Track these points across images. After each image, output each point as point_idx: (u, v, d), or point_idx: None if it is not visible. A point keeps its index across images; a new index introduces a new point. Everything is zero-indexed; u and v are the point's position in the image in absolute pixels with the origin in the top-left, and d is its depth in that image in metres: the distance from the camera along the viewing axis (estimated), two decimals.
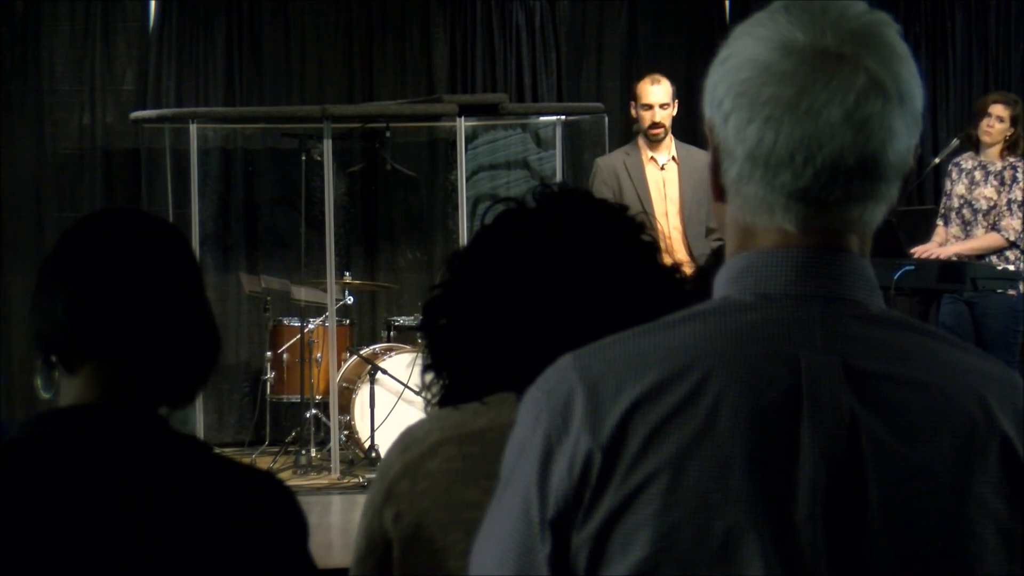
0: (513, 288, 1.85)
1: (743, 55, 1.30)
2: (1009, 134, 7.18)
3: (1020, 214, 7.09)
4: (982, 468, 1.25)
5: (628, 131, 8.00)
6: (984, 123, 7.20)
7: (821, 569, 1.22)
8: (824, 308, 1.29)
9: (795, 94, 1.26)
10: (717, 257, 3.41)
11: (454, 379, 1.90)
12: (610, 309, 1.82)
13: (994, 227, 7.17)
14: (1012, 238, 7.10)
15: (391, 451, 1.92)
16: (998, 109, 7.20)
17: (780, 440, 1.23)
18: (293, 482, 7.28)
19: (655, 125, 6.81)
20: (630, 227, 1.91)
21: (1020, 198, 7.10)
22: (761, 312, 1.29)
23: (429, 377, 1.91)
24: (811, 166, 1.27)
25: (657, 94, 6.82)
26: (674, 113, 6.91)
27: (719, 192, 1.35)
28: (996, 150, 7.22)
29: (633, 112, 6.94)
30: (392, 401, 7.68)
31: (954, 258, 7.04)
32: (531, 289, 1.84)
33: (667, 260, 1.92)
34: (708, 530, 1.22)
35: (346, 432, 7.83)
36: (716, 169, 1.35)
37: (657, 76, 6.91)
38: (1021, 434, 1.27)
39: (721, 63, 1.33)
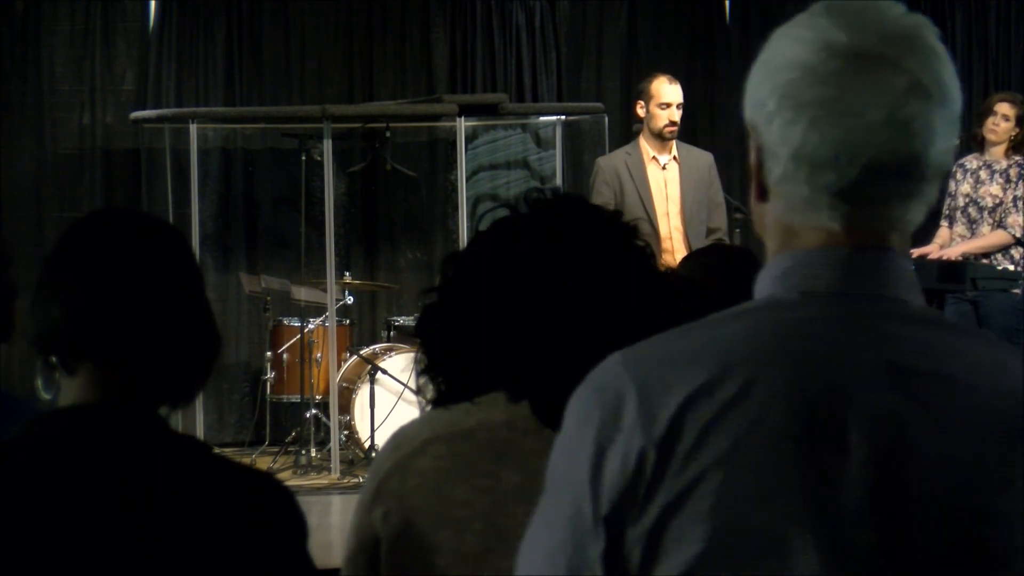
0: (513, 289, 1.85)
1: (785, 56, 1.32)
2: (1015, 133, 7.19)
3: None
4: (1020, 465, 1.27)
5: (628, 131, 8.00)
6: (990, 121, 7.22)
7: (870, 563, 1.24)
8: (868, 307, 1.31)
9: (839, 95, 1.29)
10: (693, 260, 3.41)
11: (452, 381, 1.91)
12: (609, 309, 1.83)
13: (1000, 224, 7.17)
14: (1018, 235, 7.11)
15: (383, 450, 1.93)
16: (1004, 108, 7.22)
17: (828, 436, 1.25)
18: (293, 482, 7.28)
19: (672, 124, 6.79)
20: (625, 232, 1.92)
21: None
22: (807, 310, 1.31)
23: (424, 380, 1.92)
24: (855, 166, 1.29)
25: (675, 93, 6.81)
26: None
27: (761, 192, 1.37)
28: (1001, 149, 7.23)
29: (640, 111, 6.88)
30: (392, 401, 7.68)
31: (961, 257, 7.04)
32: (531, 290, 1.84)
33: (660, 266, 1.94)
34: (760, 525, 1.24)
35: (346, 432, 7.83)
36: (759, 169, 1.36)
37: (671, 76, 6.91)
38: None
39: (763, 65, 1.35)
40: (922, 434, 1.25)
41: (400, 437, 1.91)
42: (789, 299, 1.32)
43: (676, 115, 6.81)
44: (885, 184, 1.30)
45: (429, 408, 1.93)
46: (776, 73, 1.32)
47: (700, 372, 1.27)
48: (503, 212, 1.94)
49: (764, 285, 1.36)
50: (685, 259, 3.39)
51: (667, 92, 6.81)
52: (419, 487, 1.84)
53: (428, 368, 1.93)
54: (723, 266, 3.28)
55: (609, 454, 1.28)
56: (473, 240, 1.95)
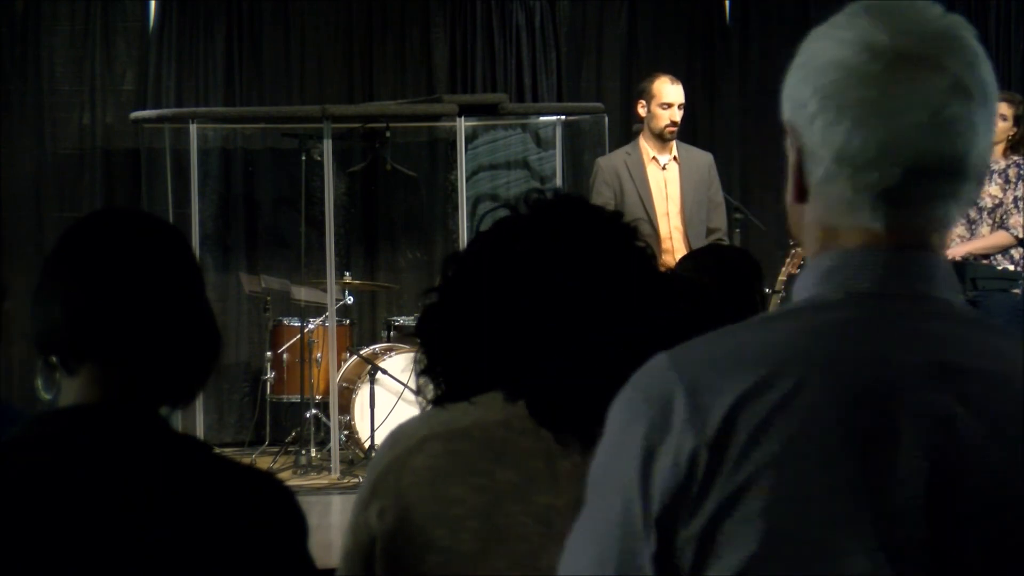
0: (513, 289, 1.85)
1: (826, 57, 1.33)
2: (1012, 133, 7.18)
3: None
4: None
5: (628, 131, 8.00)
6: None
7: (924, 563, 1.24)
8: (913, 306, 1.32)
9: (881, 95, 1.30)
10: (691, 260, 3.42)
11: (451, 381, 1.91)
12: (609, 309, 1.83)
13: (1001, 225, 7.17)
14: (1021, 235, 7.11)
15: (380, 448, 1.93)
16: (1002, 108, 7.21)
17: (880, 436, 1.25)
18: (293, 482, 7.28)
19: (673, 124, 6.80)
20: (625, 232, 1.92)
21: None
22: (853, 310, 1.31)
23: (424, 380, 1.93)
24: (898, 167, 1.30)
25: (677, 93, 6.81)
26: None
27: (800, 193, 1.37)
28: (1000, 149, 7.23)
29: (641, 110, 6.88)
30: (392, 401, 7.68)
31: (963, 257, 7.04)
32: (531, 290, 1.84)
33: (660, 267, 1.94)
34: (813, 526, 1.24)
35: (346, 432, 7.83)
36: (799, 170, 1.36)
37: (673, 76, 6.91)
38: None
39: (802, 66, 1.35)
40: (972, 433, 1.26)
41: (397, 435, 1.92)
42: (834, 299, 1.33)
43: (677, 115, 6.81)
44: (928, 184, 1.31)
45: (429, 407, 1.93)
46: (817, 74, 1.33)
47: (750, 373, 1.27)
48: (503, 212, 1.94)
49: (806, 286, 1.36)
50: (683, 259, 3.40)
51: (669, 92, 6.81)
52: (415, 485, 1.84)
53: (428, 368, 1.93)
54: (719, 266, 3.29)
55: (659, 455, 1.27)
56: (473, 240, 1.95)
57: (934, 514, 1.24)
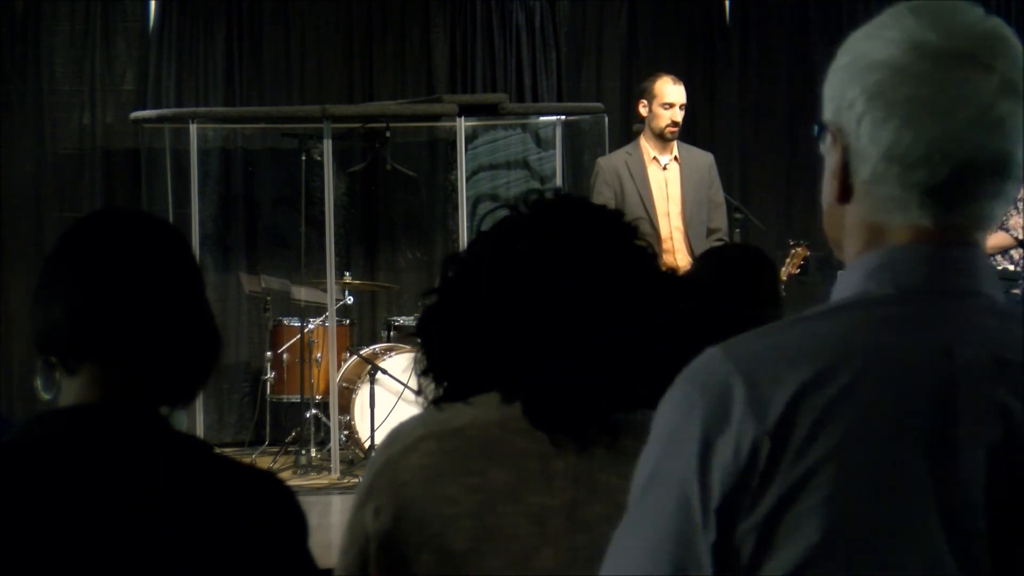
0: (513, 289, 1.85)
1: (873, 57, 1.34)
2: None
3: None
4: None
5: (628, 131, 8.00)
6: None
7: (985, 554, 1.25)
8: (962, 302, 1.33)
9: (931, 94, 1.31)
10: (703, 262, 3.42)
11: (451, 381, 1.91)
12: (610, 309, 1.83)
13: (1002, 226, 7.17)
14: (1020, 236, 7.11)
15: (378, 448, 1.94)
16: None
17: (941, 430, 1.26)
18: (293, 482, 7.28)
19: (673, 124, 6.80)
20: (626, 231, 1.92)
21: None
22: (905, 306, 1.32)
23: (425, 381, 1.93)
24: (947, 164, 1.31)
25: (679, 94, 6.82)
26: None
27: (844, 194, 1.38)
28: None
29: (643, 110, 6.89)
30: (392, 401, 7.68)
31: None
32: (531, 290, 1.84)
33: (662, 265, 1.94)
34: (875, 517, 1.24)
35: (346, 432, 7.83)
36: (844, 170, 1.37)
37: (675, 77, 6.91)
38: None
39: (846, 67, 1.36)
40: None
41: (394, 435, 1.92)
42: (884, 295, 1.34)
43: (678, 115, 6.81)
44: (975, 182, 1.32)
45: (427, 407, 1.93)
46: (864, 74, 1.34)
47: (808, 365, 1.28)
48: (504, 212, 1.94)
49: (853, 282, 1.37)
50: (693, 262, 3.41)
51: (671, 92, 6.81)
52: (409, 484, 1.84)
53: (428, 368, 1.93)
54: (720, 266, 3.29)
55: (718, 445, 1.27)
56: (474, 240, 1.95)
57: (994, 507, 1.25)
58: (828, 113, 1.38)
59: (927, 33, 1.32)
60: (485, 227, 1.94)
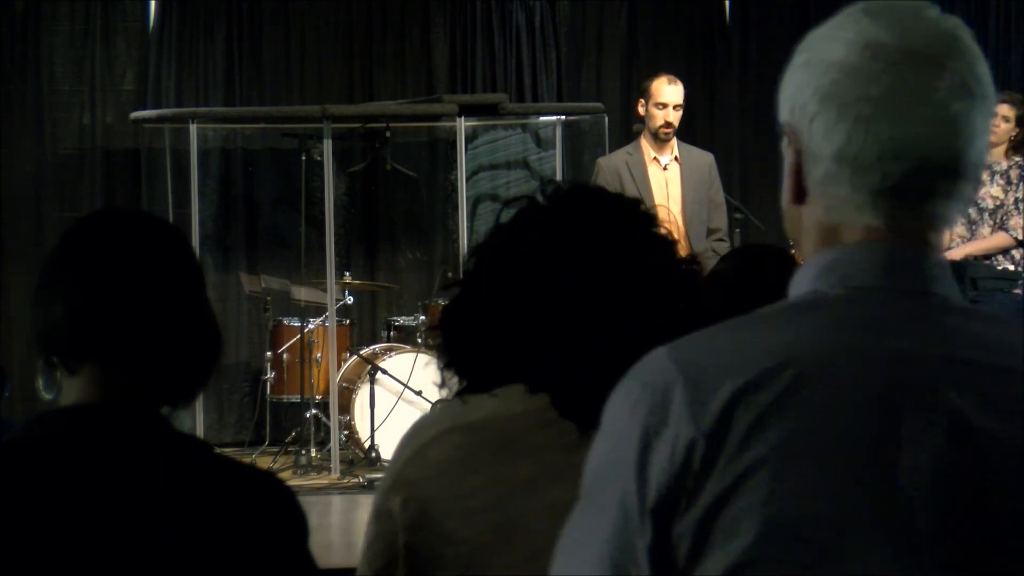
0: (514, 288, 1.85)
1: (826, 58, 1.33)
2: (1014, 134, 7.18)
3: None
4: None
5: (628, 131, 8.00)
6: (990, 122, 7.19)
7: (927, 552, 1.24)
8: (914, 301, 1.32)
9: (884, 95, 1.30)
10: (728, 261, 3.42)
11: (472, 374, 1.91)
12: (610, 308, 1.83)
13: (1002, 226, 7.17)
14: (1020, 236, 7.11)
15: (402, 440, 1.93)
16: (1003, 109, 7.20)
17: (884, 430, 1.26)
18: (293, 482, 7.28)
19: (667, 125, 6.82)
20: (643, 221, 1.91)
21: None
22: (855, 305, 1.32)
23: (448, 374, 1.93)
24: (899, 165, 1.30)
25: (673, 94, 6.83)
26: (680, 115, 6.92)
27: (799, 195, 1.37)
28: (1001, 150, 7.22)
29: (641, 110, 6.92)
30: (392, 401, 7.68)
31: (963, 258, 7.04)
32: (531, 289, 1.84)
33: (683, 252, 1.93)
34: (813, 517, 1.24)
35: (346, 432, 7.83)
36: (798, 171, 1.37)
37: (673, 77, 6.91)
38: None
39: (801, 67, 1.36)
40: (982, 424, 1.26)
41: (419, 427, 1.92)
42: (835, 294, 1.33)
43: (672, 116, 6.82)
44: (929, 182, 1.32)
45: (450, 400, 1.93)
46: (818, 75, 1.33)
47: (751, 365, 1.27)
48: (503, 211, 1.94)
49: (805, 281, 1.36)
50: (723, 257, 3.40)
51: (665, 92, 6.82)
52: (434, 476, 1.84)
53: (450, 361, 1.93)
54: (745, 264, 3.29)
55: (656, 445, 1.28)
56: (493, 233, 1.95)
57: (943, 508, 1.24)
58: (784, 113, 1.37)
59: (881, 34, 1.31)
60: (504, 218, 1.94)
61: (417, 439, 1.88)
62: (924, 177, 1.31)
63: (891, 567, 1.23)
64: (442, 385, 1.96)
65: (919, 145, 1.30)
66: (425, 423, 1.91)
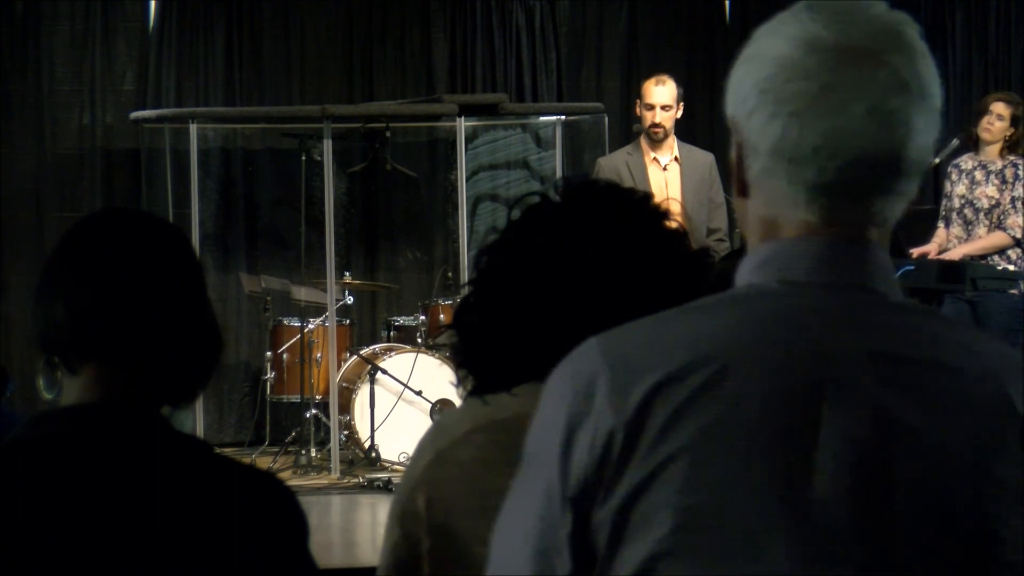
0: (527, 284, 1.85)
1: (767, 53, 1.33)
2: (1009, 134, 7.18)
3: None
4: (1003, 449, 1.28)
5: (628, 131, 8.00)
6: (984, 120, 7.21)
7: (843, 549, 1.24)
8: (846, 296, 1.32)
9: (819, 90, 1.30)
10: (729, 261, 3.42)
11: (488, 372, 1.91)
12: (625, 302, 1.83)
13: (999, 225, 7.16)
14: (1018, 235, 7.11)
15: (423, 440, 1.93)
16: (999, 107, 7.21)
17: (803, 425, 1.25)
18: (293, 482, 7.28)
19: (655, 126, 6.84)
20: (656, 216, 1.91)
21: (1023, 195, 7.11)
22: (785, 299, 1.32)
23: (463, 372, 1.92)
24: (834, 161, 1.30)
25: (659, 95, 6.84)
26: (678, 115, 6.92)
27: (742, 188, 1.38)
28: (996, 149, 7.22)
29: (637, 110, 6.98)
30: (392, 401, 7.68)
31: (961, 259, 7.04)
32: (545, 285, 1.84)
33: (694, 246, 1.93)
34: (728, 511, 1.24)
35: (346, 432, 7.83)
36: (740, 165, 1.37)
37: (663, 77, 6.91)
38: None
39: (744, 62, 1.36)
40: (903, 420, 1.26)
41: (441, 427, 1.92)
42: (768, 288, 1.33)
43: (660, 116, 6.84)
44: (864, 178, 1.31)
45: (467, 398, 1.93)
46: (756, 69, 1.33)
47: (674, 358, 1.28)
48: (514, 208, 1.93)
49: (744, 274, 1.36)
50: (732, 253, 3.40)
51: (650, 93, 6.87)
52: (459, 477, 1.84)
53: (465, 360, 1.93)
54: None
55: (578, 435, 1.29)
56: (506, 229, 1.94)
57: (860, 502, 1.24)
58: (728, 107, 1.37)
59: (820, 29, 1.31)
60: (515, 215, 1.94)
61: (441, 440, 1.88)
62: (861, 174, 1.30)
63: (801, 563, 1.23)
64: (458, 384, 1.95)
65: (854, 141, 1.29)
66: (447, 423, 1.91)
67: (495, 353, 1.90)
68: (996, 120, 7.18)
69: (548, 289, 1.84)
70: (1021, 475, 1.27)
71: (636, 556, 1.25)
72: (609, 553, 1.27)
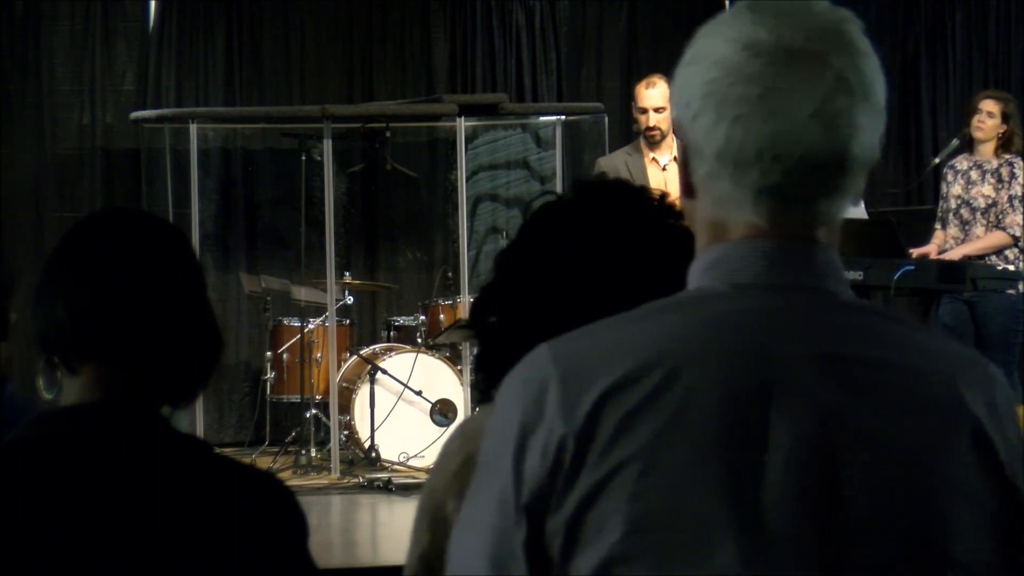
0: (552, 284, 1.85)
1: (709, 56, 1.32)
2: (1002, 131, 7.18)
3: (1023, 209, 7.10)
4: (955, 449, 1.28)
5: (628, 131, 8.01)
6: (975, 119, 7.22)
7: (792, 553, 1.24)
8: (796, 297, 1.31)
9: (763, 93, 1.29)
10: None
11: (498, 378, 1.90)
12: (658, 296, 1.82)
13: (997, 225, 7.16)
14: (1017, 233, 7.11)
15: (450, 444, 1.93)
16: (988, 104, 7.22)
17: (753, 427, 1.25)
18: (293, 482, 7.28)
19: (650, 129, 6.86)
20: (667, 214, 1.91)
21: (1021, 193, 7.10)
22: (734, 302, 1.31)
23: (481, 374, 1.92)
24: (780, 163, 1.29)
25: (651, 98, 6.85)
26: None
27: (688, 190, 1.37)
28: (990, 148, 7.22)
29: (634, 113, 7.00)
30: (392, 401, 7.68)
31: (961, 259, 7.04)
32: (561, 286, 1.84)
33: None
34: (680, 516, 1.24)
35: (346, 432, 7.83)
36: (686, 167, 1.36)
37: (654, 79, 6.92)
38: (992, 415, 1.31)
39: (687, 65, 1.35)
40: (851, 421, 1.26)
41: (467, 432, 1.91)
42: (717, 290, 1.33)
43: (653, 119, 6.85)
44: (810, 180, 1.30)
45: (489, 402, 1.92)
46: (700, 73, 1.32)
47: (623, 363, 1.28)
48: (550, 198, 1.93)
49: (694, 277, 1.36)
50: None
51: (642, 97, 6.91)
52: None
53: (484, 364, 1.92)
54: None
55: (531, 443, 1.28)
56: (519, 232, 1.94)
57: (809, 504, 1.24)
58: (673, 109, 1.37)
59: (761, 32, 1.30)
60: (528, 216, 1.94)
61: (469, 445, 1.87)
62: (806, 175, 1.30)
63: (753, 565, 1.23)
64: (475, 386, 1.95)
65: (799, 144, 1.29)
66: (473, 428, 1.91)
67: (515, 355, 1.90)
68: (987, 118, 7.20)
69: (566, 289, 1.84)
70: (973, 474, 1.28)
71: (590, 563, 1.25)
72: (563, 560, 1.27)
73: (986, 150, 7.22)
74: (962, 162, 7.30)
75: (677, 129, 1.36)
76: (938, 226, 7.40)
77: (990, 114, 7.18)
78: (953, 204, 7.29)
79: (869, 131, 1.31)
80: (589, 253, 1.84)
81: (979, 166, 7.23)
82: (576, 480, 1.26)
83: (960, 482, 1.27)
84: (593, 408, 1.26)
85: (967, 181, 7.24)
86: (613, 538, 1.24)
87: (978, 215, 7.20)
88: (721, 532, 1.23)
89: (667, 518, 1.24)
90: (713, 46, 1.33)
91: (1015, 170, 7.14)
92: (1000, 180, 7.17)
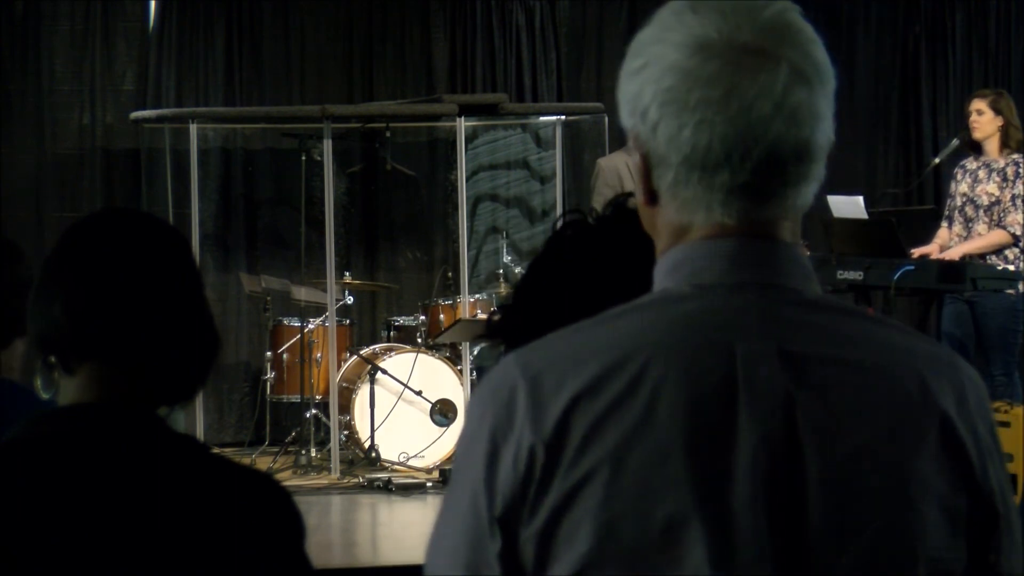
0: (568, 310, 1.85)
1: (660, 63, 1.31)
2: (1000, 123, 7.21)
3: None
4: (922, 446, 1.28)
5: None
6: (970, 121, 7.28)
7: (763, 553, 1.24)
8: (759, 295, 1.31)
9: (723, 94, 1.28)
10: None
11: None
12: None
13: (999, 223, 7.17)
14: (1018, 232, 7.11)
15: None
16: (976, 104, 7.29)
17: (718, 428, 1.25)
18: (293, 482, 7.29)
19: None
20: None
21: (1023, 193, 7.12)
22: (698, 302, 1.31)
23: None
24: (748, 162, 1.29)
25: None
26: None
27: (651, 197, 1.36)
28: (995, 146, 7.24)
29: None
30: (392, 401, 7.68)
31: (961, 258, 7.05)
32: (603, 296, 1.84)
33: None
34: (650, 519, 1.24)
35: (346, 432, 7.83)
36: (647, 176, 1.35)
37: None
38: (961, 412, 1.30)
39: (636, 72, 1.33)
40: (816, 420, 1.26)
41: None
42: (681, 292, 1.32)
43: None
44: (779, 175, 1.30)
45: None
46: (655, 80, 1.31)
47: (590, 368, 1.27)
48: (576, 216, 1.94)
49: (659, 280, 1.36)
50: None
51: None
52: None
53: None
54: None
55: (502, 453, 1.28)
56: (548, 240, 1.95)
57: (775, 504, 1.24)
58: (625, 118, 1.35)
59: (709, 32, 1.30)
60: (559, 227, 1.94)
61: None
62: (774, 170, 1.30)
63: (722, 567, 1.23)
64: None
65: (764, 140, 1.28)
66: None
67: None
68: (977, 116, 7.24)
69: (586, 302, 1.84)
70: (941, 472, 1.28)
71: (564, 571, 1.25)
72: (537, 569, 1.26)
73: (992, 149, 7.25)
74: (972, 162, 7.34)
75: (633, 139, 1.35)
76: (944, 224, 7.42)
77: (979, 111, 7.22)
78: (959, 201, 7.31)
79: (828, 116, 1.32)
80: (595, 279, 1.85)
81: (987, 165, 7.26)
82: (548, 490, 1.25)
83: (928, 480, 1.27)
84: (562, 416, 1.26)
85: (974, 179, 7.27)
86: (585, 547, 1.24)
87: (981, 212, 7.21)
88: (690, 535, 1.23)
89: (636, 522, 1.24)
90: (662, 52, 1.31)
91: (1020, 169, 7.15)
92: (1005, 179, 7.18)
